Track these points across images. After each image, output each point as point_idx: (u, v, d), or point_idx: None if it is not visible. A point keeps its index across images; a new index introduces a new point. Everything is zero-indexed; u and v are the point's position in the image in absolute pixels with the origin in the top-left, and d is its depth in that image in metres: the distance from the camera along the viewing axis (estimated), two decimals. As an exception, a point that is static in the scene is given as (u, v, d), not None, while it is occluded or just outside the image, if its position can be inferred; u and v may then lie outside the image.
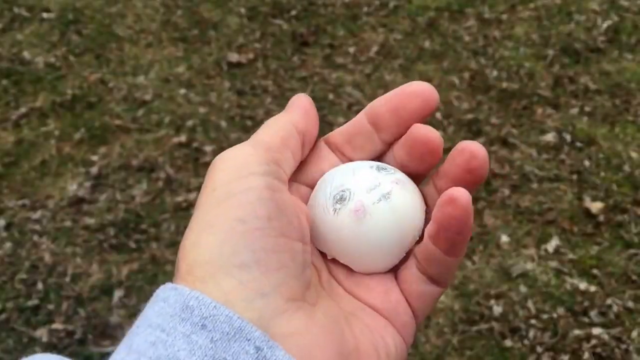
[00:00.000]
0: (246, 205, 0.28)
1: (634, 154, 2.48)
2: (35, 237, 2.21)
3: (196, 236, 0.28)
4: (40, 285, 2.05)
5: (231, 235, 0.28)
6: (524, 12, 3.38)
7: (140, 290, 2.04)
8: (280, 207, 0.30)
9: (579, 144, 2.54)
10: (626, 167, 2.42)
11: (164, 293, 0.28)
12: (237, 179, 0.30)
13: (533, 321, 1.93)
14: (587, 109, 2.71)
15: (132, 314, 1.98)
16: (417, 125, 0.34)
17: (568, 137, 2.56)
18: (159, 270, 2.10)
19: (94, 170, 2.45)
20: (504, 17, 3.34)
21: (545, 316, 1.94)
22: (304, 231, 0.31)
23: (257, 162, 0.31)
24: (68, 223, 2.26)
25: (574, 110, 2.71)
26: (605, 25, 3.23)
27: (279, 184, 0.31)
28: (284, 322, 0.27)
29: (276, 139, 0.33)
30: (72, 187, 2.39)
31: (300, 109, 0.36)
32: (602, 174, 2.41)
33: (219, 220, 0.28)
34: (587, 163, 2.45)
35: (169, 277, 2.06)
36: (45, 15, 3.32)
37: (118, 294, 2.03)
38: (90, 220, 2.27)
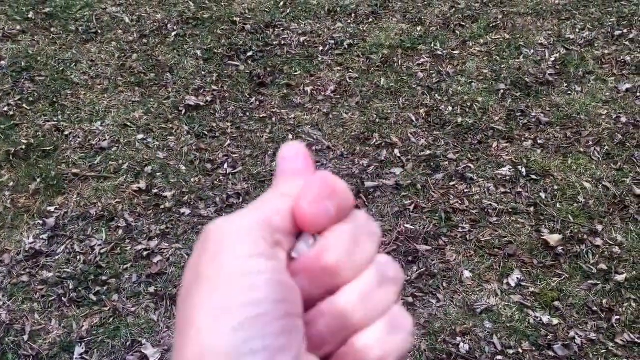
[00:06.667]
0: (258, 289, 0.30)
1: (587, 185, 2.55)
2: (-9, 295, 2.14)
3: (212, 320, 0.30)
4: (-4, 345, 1.98)
5: (245, 321, 0.30)
6: (474, 47, 3.47)
7: (102, 345, 1.99)
8: (284, 288, 0.31)
9: (534, 177, 2.59)
10: (580, 198, 2.49)
11: None
12: (246, 259, 0.31)
13: (499, 357, 1.95)
14: (540, 141, 2.79)
15: (95, 370, 1.93)
16: None
17: (523, 170, 2.62)
18: (121, 323, 2.05)
19: (51, 221, 2.39)
20: (456, 53, 3.42)
21: (511, 351, 1.96)
22: (300, 305, 0.32)
23: (262, 242, 0.32)
24: (25, 278, 2.19)
25: (528, 143, 2.78)
26: (553, 58, 3.34)
27: (281, 265, 0.32)
28: None
29: (274, 214, 0.33)
30: (29, 240, 2.33)
31: (289, 176, 0.35)
32: (558, 205, 2.46)
33: (234, 303, 0.30)
34: (542, 195, 2.51)
35: (131, 329, 2.00)
36: (-4, 63, 3.27)
37: (79, 350, 1.97)
38: (48, 274, 2.21)
